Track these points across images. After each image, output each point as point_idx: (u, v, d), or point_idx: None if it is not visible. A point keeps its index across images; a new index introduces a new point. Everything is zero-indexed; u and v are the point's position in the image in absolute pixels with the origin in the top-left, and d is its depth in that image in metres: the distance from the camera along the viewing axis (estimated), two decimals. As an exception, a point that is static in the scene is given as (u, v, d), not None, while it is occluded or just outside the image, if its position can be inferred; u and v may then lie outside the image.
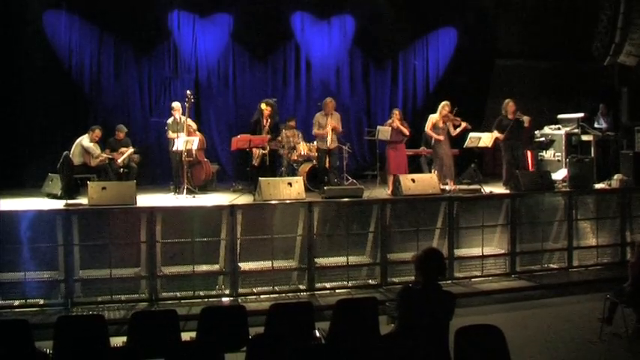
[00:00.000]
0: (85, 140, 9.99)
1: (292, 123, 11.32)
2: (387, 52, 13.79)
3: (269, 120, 10.20)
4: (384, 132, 10.08)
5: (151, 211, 8.02)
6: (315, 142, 10.62)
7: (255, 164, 10.10)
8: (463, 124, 9.89)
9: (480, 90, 13.65)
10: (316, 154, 10.47)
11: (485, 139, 9.86)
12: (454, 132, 9.98)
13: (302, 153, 10.99)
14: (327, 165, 10.21)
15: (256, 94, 12.31)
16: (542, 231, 9.58)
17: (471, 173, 10.77)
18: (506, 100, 10.31)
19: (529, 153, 11.40)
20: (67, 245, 7.71)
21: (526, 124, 10.23)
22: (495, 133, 10.11)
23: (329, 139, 9.95)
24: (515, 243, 9.32)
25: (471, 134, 9.80)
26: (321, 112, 10.16)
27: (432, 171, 10.15)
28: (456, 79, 13.40)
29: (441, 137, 9.86)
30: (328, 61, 13.37)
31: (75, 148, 9.91)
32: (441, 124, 9.90)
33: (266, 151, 10.04)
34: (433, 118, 9.97)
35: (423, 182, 9.19)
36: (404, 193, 8.97)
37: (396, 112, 10.27)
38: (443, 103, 10.02)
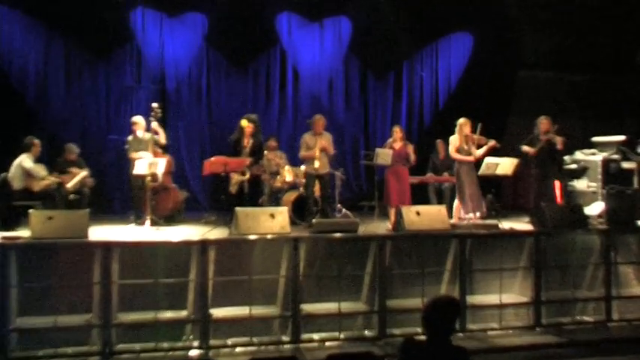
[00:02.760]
0: (26, 160, 9.77)
1: (273, 143, 11.45)
2: (389, 62, 13.98)
3: (251, 140, 10.27)
4: (384, 155, 10.18)
5: (107, 247, 7.97)
6: (302, 167, 10.72)
7: (232, 192, 10.19)
8: (490, 143, 9.99)
9: (499, 107, 13.80)
10: (303, 180, 10.56)
11: (505, 165, 9.88)
12: (477, 154, 10.09)
13: (287, 179, 11.11)
14: (316, 193, 10.34)
15: (234, 109, 12.51)
16: (574, 276, 9.57)
17: (488, 204, 10.83)
18: (540, 118, 10.56)
19: (557, 182, 11.32)
20: (3, 287, 7.61)
21: (559, 146, 10.38)
22: (526, 148, 10.35)
23: (318, 162, 10.07)
24: (540, 290, 9.32)
25: (488, 160, 9.85)
26: (309, 132, 10.28)
27: (455, 202, 10.25)
28: (471, 93, 13.53)
29: (470, 158, 10.06)
30: (319, 70, 13.57)
31: (14, 170, 9.73)
32: (464, 146, 10.09)
33: (245, 177, 10.11)
34: (454, 140, 10.13)
35: (430, 215, 9.18)
36: (407, 228, 8.98)
37: (397, 130, 10.43)
38: (460, 121, 10.14)
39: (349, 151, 13.58)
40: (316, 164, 10.07)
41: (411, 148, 10.34)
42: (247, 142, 10.23)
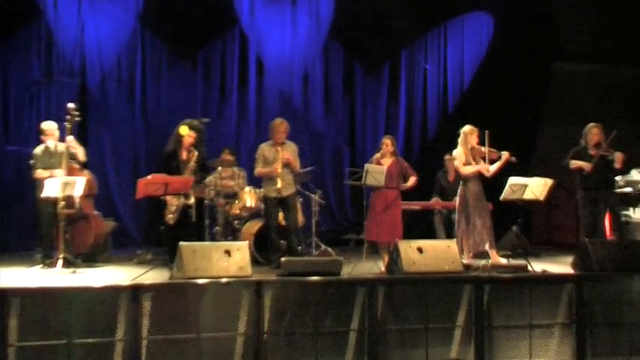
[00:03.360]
0: None
1: (229, 157, 11.55)
2: (382, 51, 14.20)
3: (192, 153, 10.23)
4: (376, 174, 10.30)
5: (3, 295, 7.66)
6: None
7: (172, 221, 10.07)
8: (504, 156, 10.17)
9: (528, 109, 13.88)
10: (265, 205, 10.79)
11: (535, 187, 10.01)
12: (489, 171, 10.26)
13: (247, 204, 11.17)
14: (281, 223, 10.55)
15: (178, 111, 12.44)
16: (631, 337, 9.28)
17: (512, 240, 11.09)
18: (589, 126, 10.71)
19: (607, 211, 11.50)
20: None
21: (617, 165, 10.56)
22: (580, 164, 10.51)
23: (280, 182, 10.23)
24: (585, 355, 9.13)
25: (512, 180, 9.95)
26: (267, 142, 10.48)
27: (458, 236, 10.37)
28: (490, 92, 13.62)
29: (484, 169, 10.21)
30: (291, 61, 13.76)
31: None
32: (471, 162, 10.30)
33: (190, 202, 9.91)
34: (459, 154, 10.35)
35: (436, 253, 9.21)
36: (405, 269, 8.96)
37: (388, 143, 10.61)
38: (465, 129, 10.36)
39: (330, 168, 13.84)
40: (278, 184, 10.22)
41: (407, 166, 10.62)
42: (188, 156, 10.17)
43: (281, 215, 10.58)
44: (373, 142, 13.70)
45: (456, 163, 10.40)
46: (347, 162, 13.70)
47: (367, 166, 10.47)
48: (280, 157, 10.24)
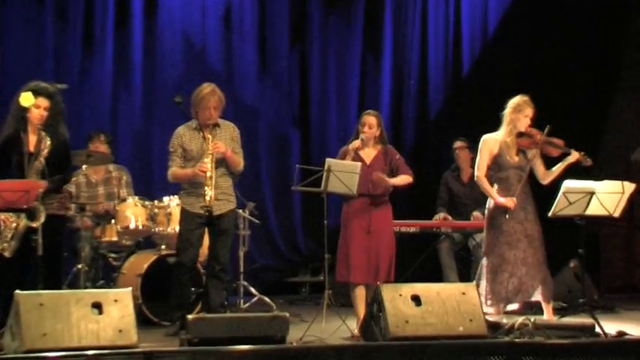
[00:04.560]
0: None
1: (102, 146, 11.66)
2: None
3: (44, 140, 10.00)
4: (345, 174, 10.23)
5: None
6: (169, 199, 11.22)
7: (8, 254, 9.82)
8: (572, 156, 10.27)
9: (591, 80, 14.29)
10: (174, 229, 10.98)
11: (606, 195, 10.13)
12: (546, 177, 10.43)
13: (131, 225, 11.31)
14: (200, 256, 10.63)
15: (20, 69, 12.80)
16: None
17: (569, 283, 11.59)
18: None
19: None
20: None
21: None
22: None
23: (210, 190, 10.11)
24: None
25: (568, 185, 10.03)
26: (187, 124, 10.46)
27: (479, 278, 10.48)
28: (531, 44, 14.05)
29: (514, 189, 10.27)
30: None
31: None
32: (514, 159, 10.35)
33: (37, 223, 9.69)
34: (491, 144, 10.44)
35: (443, 304, 9.27)
36: (393, 332, 8.95)
37: (371, 119, 10.58)
38: (516, 100, 10.35)
39: (269, 164, 14.13)
40: (207, 194, 10.10)
41: (399, 160, 10.63)
42: (37, 145, 10.03)
43: (205, 241, 10.57)
44: (340, 121, 14.28)
45: (478, 161, 10.47)
46: (296, 155, 14.06)
47: (329, 161, 10.39)
48: (211, 148, 10.13)
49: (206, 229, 10.44)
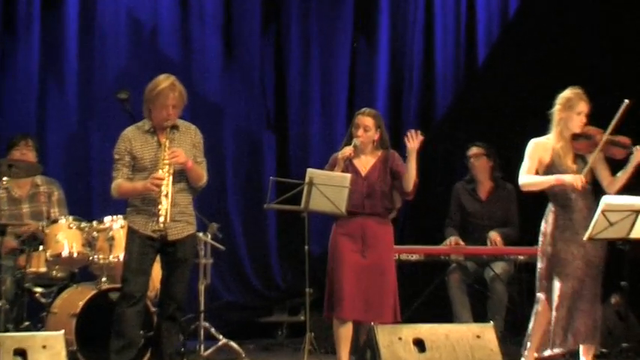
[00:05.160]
0: None
1: (28, 154, 11.23)
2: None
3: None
4: (331, 188, 9.88)
5: None
6: (112, 220, 10.85)
7: None
8: (638, 155, 9.61)
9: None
10: (117, 257, 10.59)
11: None
12: (613, 185, 9.87)
13: (63, 252, 10.83)
14: (151, 291, 10.20)
15: None
16: None
17: (611, 322, 11.38)
18: None
19: None
20: None
21: None
22: None
23: (166, 208, 9.34)
24: None
25: (608, 201, 9.44)
26: (137, 126, 9.65)
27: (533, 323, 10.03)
28: (558, 24, 13.49)
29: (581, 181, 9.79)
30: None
31: None
32: (571, 167, 9.76)
33: None
34: (541, 150, 9.85)
35: (453, 350, 9.33)
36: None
37: (368, 122, 10.16)
38: (567, 94, 9.73)
39: (235, 176, 13.88)
40: (162, 214, 9.29)
41: (403, 166, 10.11)
42: None
43: (155, 273, 9.91)
44: (324, 123, 14.11)
45: (523, 166, 9.83)
46: (271, 164, 13.80)
47: (312, 172, 10.06)
48: (168, 157, 9.30)
49: (157, 258, 9.66)
